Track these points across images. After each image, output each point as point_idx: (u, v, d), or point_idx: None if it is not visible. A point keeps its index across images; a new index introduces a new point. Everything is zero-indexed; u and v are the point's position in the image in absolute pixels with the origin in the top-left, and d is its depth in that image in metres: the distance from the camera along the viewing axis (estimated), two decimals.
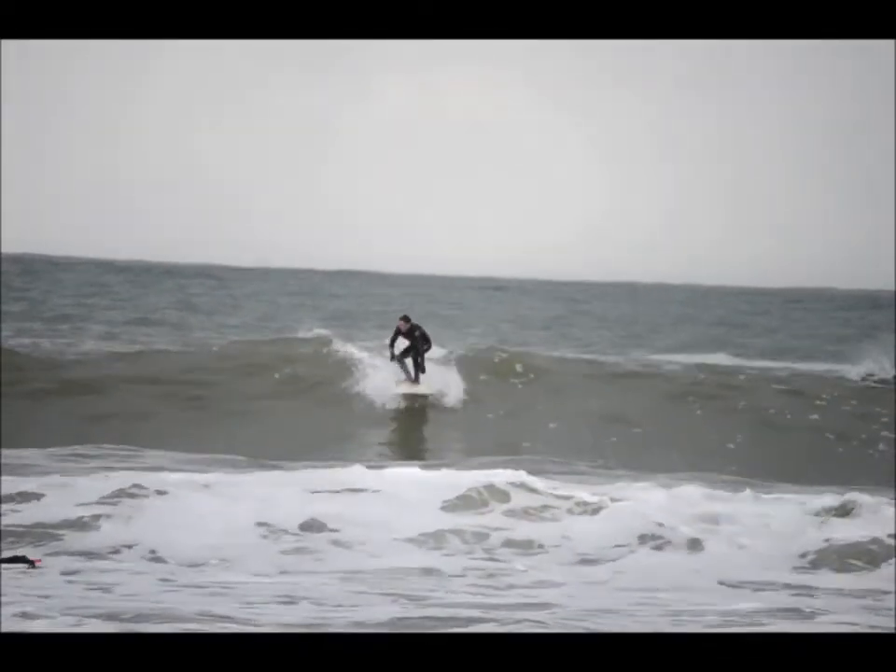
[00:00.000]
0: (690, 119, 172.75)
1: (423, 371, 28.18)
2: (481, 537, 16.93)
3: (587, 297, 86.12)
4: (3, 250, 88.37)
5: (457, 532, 16.98)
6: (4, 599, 12.20)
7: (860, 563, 16.24)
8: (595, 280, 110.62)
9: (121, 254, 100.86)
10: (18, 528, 16.33)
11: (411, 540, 16.64)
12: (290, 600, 13.05)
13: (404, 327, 27.87)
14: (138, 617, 11.78)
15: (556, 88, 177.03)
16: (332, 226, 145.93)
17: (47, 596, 12.64)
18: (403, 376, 28.23)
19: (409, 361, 28.23)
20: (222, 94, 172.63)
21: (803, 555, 16.47)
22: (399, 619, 12.21)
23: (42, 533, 16.29)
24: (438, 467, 20.30)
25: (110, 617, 11.71)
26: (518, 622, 12.04)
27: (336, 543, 16.52)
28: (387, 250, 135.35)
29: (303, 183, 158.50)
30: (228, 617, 12.01)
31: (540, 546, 16.76)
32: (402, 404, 28.28)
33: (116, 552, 15.81)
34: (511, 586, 14.69)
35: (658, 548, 16.59)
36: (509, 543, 16.80)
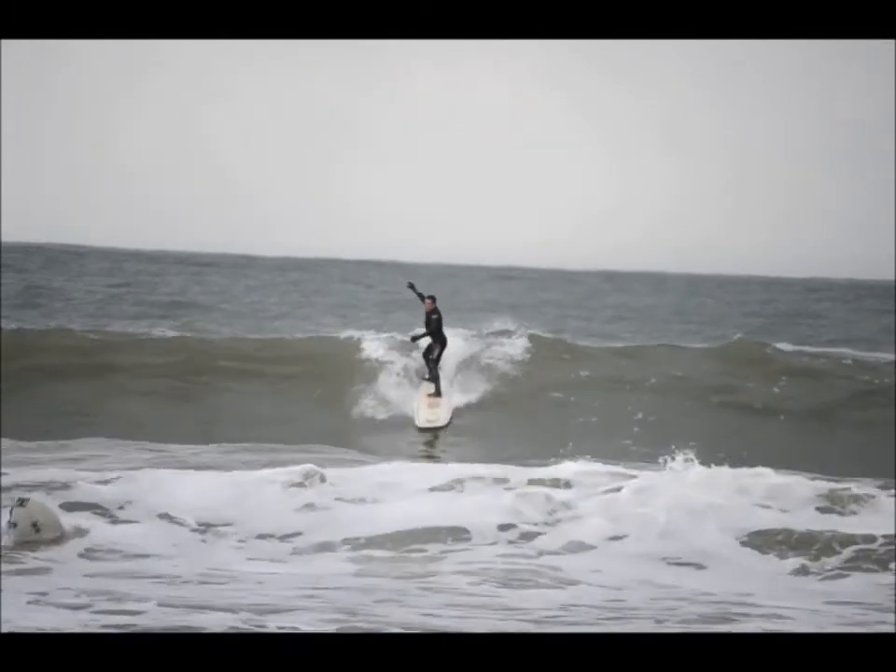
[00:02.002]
0: (704, 114, 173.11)
1: (434, 375, 26.78)
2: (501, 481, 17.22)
3: (612, 287, 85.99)
4: (25, 239, 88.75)
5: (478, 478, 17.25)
6: (20, 590, 12.27)
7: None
8: (618, 269, 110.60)
9: (147, 244, 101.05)
10: (27, 484, 16.42)
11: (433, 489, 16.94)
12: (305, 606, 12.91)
13: (429, 306, 26.65)
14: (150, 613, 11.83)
15: (566, 84, 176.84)
16: (354, 217, 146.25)
17: (67, 588, 12.62)
18: (426, 376, 26.86)
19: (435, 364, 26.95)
20: (246, 89, 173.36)
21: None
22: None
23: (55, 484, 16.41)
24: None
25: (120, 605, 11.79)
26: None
27: (346, 500, 16.65)
28: (406, 240, 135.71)
29: (327, 176, 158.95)
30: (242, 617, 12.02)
31: (567, 483, 17.06)
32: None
33: (121, 507, 15.91)
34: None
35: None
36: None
